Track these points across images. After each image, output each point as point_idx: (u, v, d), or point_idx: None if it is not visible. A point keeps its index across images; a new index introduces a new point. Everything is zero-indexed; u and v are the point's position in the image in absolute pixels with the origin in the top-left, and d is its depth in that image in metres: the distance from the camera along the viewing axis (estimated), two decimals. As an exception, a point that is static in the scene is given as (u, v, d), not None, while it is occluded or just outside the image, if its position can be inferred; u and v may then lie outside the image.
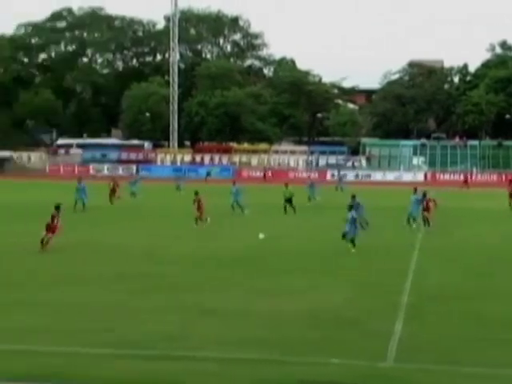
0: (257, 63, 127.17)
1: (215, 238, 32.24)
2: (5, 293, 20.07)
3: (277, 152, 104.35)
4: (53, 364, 13.75)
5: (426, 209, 35.98)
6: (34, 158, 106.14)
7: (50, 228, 27.43)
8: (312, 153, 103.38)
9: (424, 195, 36.85)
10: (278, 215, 42.10)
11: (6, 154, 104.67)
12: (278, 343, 15.24)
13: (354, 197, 34.15)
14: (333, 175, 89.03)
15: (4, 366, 13.56)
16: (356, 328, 16.59)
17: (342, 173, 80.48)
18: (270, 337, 15.74)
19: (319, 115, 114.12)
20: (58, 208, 28.27)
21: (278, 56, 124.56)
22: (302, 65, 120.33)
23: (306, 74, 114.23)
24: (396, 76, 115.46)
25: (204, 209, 36.70)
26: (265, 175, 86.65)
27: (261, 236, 31.08)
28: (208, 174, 78.87)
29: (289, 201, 43.11)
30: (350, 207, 28.76)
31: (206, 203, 36.99)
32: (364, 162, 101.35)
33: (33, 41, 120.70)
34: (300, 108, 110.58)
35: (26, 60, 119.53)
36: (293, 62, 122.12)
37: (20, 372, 13.22)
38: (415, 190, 38.31)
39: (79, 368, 13.52)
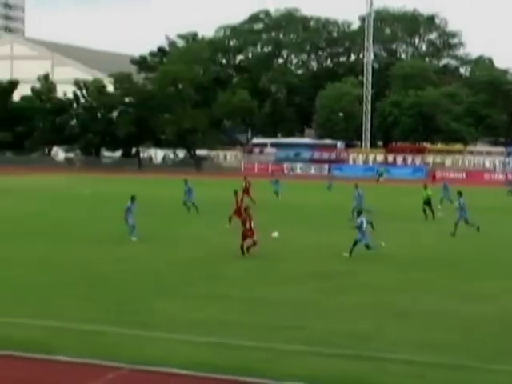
0: (453, 62, 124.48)
1: (398, 238, 32.03)
2: (203, 286, 21.00)
3: (472, 153, 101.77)
4: (247, 358, 14.19)
5: None
6: (230, 156, 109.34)
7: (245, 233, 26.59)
8: (509, 154, 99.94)
9: None
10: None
11: (203, 152, 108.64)
12: (471, 348, 15.03)
13: (460, 193, 34.10)
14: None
15: (202, 358, 14.12)
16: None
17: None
18: (464, 341, 15.55)
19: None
20: (245, 210, 27.89)
21: (475, 55, 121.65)
22: (500, 63, 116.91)
23: (505, 72, 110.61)
24: None
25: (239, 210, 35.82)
26: (434, 176, 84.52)
27: (274, 234, 28.90)
28: (380, 174, 77.82)
29: (427, 203, 40.67)
30: (359, 213, 27.32)
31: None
32: None
33: (231, 43, 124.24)
34: (497, 108, 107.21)
35: (224, 61, 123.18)
36: (490, 60, 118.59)
37: (220, 364, 13.72)
38: None
39: (272, 363, 13.90)
